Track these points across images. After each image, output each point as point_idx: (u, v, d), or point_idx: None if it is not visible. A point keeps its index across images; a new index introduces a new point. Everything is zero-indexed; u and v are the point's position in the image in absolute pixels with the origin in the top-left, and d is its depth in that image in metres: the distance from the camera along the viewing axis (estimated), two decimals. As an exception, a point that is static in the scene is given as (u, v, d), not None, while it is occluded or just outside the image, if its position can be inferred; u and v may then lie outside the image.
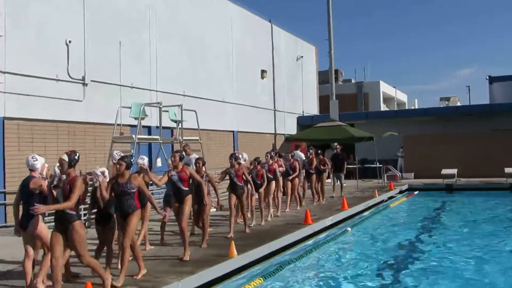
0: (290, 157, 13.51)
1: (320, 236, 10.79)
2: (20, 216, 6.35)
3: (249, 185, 10.45)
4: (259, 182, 11.06)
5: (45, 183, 6.31)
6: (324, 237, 10.67)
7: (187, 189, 8.06)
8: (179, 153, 8.16)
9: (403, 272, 8.04)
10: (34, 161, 6.41)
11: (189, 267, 7.25)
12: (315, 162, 15.02)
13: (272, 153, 12.43)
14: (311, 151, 15.14)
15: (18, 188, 6.47)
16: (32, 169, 6.39)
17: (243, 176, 9.91)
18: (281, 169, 12.81)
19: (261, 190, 11.25)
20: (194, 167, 9.18)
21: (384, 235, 11.36)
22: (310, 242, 10.20)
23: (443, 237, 10.94)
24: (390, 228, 12.32)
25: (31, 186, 6.23)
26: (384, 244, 10.40)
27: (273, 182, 11.99)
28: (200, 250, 8.36)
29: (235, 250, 7.89)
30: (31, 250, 6.35)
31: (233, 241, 8.24)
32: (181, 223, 7.87)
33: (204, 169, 9.18)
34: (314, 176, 14.99)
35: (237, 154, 10.01)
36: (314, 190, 15.15)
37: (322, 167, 15.29)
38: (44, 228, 6.37)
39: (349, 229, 11.54)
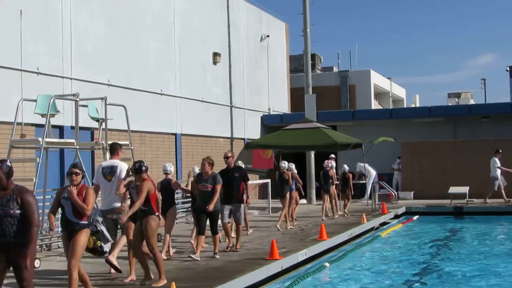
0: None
1: (290, 275, 11.00)
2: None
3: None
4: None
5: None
6: (296, 275, 10.87)
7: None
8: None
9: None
10: (170, 167, 11.89)
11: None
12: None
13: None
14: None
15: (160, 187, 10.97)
16: (170, 173, 11.82)
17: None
18: None
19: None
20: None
21: (371, 274, 11.66)
22: (276, 283, 10.39)
23: (450, 278, 11.31)
24: (380, 266, 12.64)
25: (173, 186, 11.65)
26: (372, 285, 10.68)
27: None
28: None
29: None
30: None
31: (173, 282, 8.36)
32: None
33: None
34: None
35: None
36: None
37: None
38: None
39: (327, 264, 11.82)
